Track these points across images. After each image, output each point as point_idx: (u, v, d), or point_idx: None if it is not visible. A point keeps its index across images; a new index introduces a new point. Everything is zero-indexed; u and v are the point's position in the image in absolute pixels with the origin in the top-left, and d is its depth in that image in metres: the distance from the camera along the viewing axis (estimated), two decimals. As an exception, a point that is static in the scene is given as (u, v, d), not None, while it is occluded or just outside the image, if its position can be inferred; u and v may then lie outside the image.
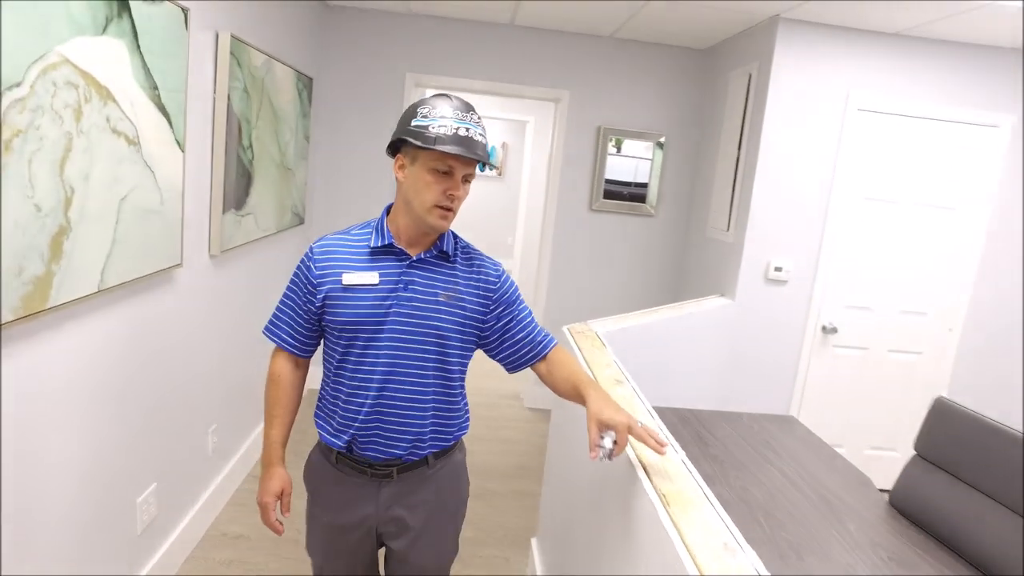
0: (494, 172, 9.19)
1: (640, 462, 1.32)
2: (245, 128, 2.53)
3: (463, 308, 1.40)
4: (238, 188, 2.54)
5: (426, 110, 1.30)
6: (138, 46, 1.73)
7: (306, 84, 3.37)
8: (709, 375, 3.16)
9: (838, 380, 3.38)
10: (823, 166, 3.16)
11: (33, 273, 1.42)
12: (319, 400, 1.48)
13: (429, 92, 5.87)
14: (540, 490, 2.67)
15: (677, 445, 1.43)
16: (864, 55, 3.08)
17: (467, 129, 1.28)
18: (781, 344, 3.30)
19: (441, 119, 1.28)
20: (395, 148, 1.37)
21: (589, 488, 1.73)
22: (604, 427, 1.22)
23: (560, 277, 4.17)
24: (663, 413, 2.32)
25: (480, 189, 9.29)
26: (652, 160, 4.04)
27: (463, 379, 1.48)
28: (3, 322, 1.34)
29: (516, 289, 1.48)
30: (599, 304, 4.11)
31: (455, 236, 1.45)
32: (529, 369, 1.50)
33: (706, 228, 3.72)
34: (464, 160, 1.30)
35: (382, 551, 1.55)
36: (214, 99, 2.29)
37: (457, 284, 1.40)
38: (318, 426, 1.46)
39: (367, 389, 1.37)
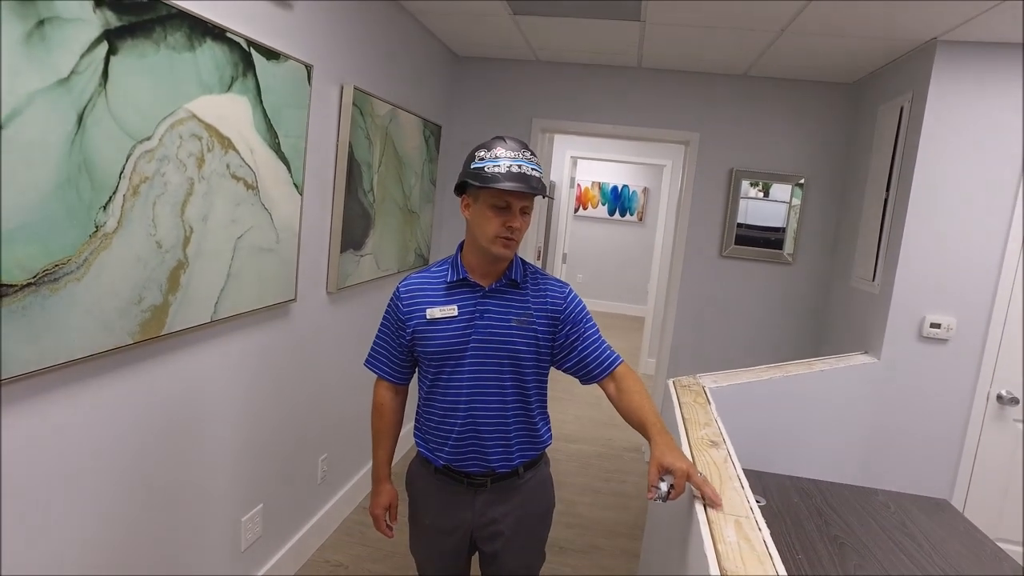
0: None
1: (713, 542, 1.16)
2: (366, 173, 2.70)
3: (535, 330, 1.53)
4: (357, 230, 2.70)
5: (483, 152, 1.44)
6: (260, 100, 1.91)
7: (433, 131, 3.55)
8: (843, 443, 2.78)
9: (1019, 462, 2.83)
10: (994, 208, 2.72)
11: (151, 302, 1.58)
12: (416, 418, 1.64)
13: (557, 137, 5.96)
14: (641, 554, 2.47)
15: (763, 522, 1.24)
16: (1047, 80, 2.64)
17: (519, 166, 1.41)
18: (940, 413, 2.83)
19: (496, 159, 1.41)
20: (461, 189, 1.51)
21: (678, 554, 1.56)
22: (664, 471, 1.28)
23: (686, 326, 3.95)
24: (778, 481, 2.07)
25: (618, 235, 9.20)
26: (789, 203, 3.74)
27: (542, 395, 1.60)
28: (121, 345, 1.50)
29: (583, 307, 1.59)
30: (727, 356, 3.83)
31: (523, 263, 1.59)
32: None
33: (850, 277, 3.35)
34: (519, 194, 1.42)
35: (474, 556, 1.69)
36: (336, 146, 2.47)
37: (528, 308, 1.53)
38: (417, 441, 1.63)
39: (456, 411, 1.52)
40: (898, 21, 2.52)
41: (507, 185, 1.38)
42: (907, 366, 2.83)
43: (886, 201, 2.96)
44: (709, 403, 2.04)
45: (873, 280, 3.00)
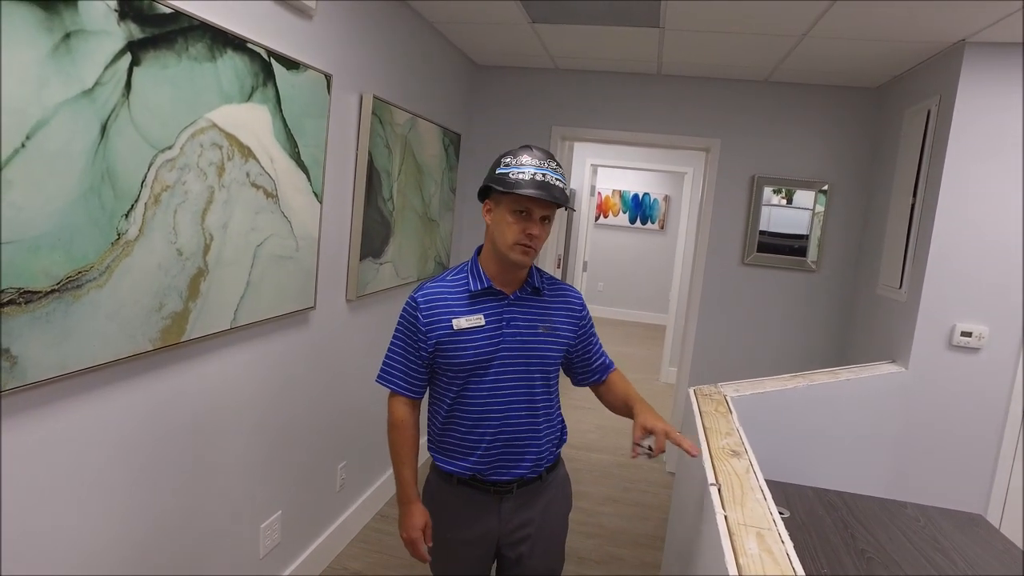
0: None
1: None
2: (386, 181, 2.72)
3: (559, 335, 1.57)
4: (377, 237, 2.71)
5: (509, 159, 1.46)
6: (280, 109, 1.93)
7: (453, 140, 3.56)
8: (869, 455, 2.71)
9: (1056, 474, 2.73)
10: (1027, 213, 2.65)
11: (172, 309, 1.60)
12: (432, 432, 1.60)
13: (577, 145, 5.95)
14: (662, 566, 2.43)
15: (786, 534, 1.21)
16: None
17: (543, 175, 1.42)
18: (973, 424, 2.75)
19: (520, 167, 1.43)
20: (484, 194, 1.53)
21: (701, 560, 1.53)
22: (646, 432, 1.41)
23: (708, 334, 3.90)
24: (802, 492, 2.02)
25: (639, 243, 9.14)
26: (813, 210, 3.68)
27: (558, 397, 1.64)
28: (142, 351, 1.52)
29: (590, 314, 1.68)
30: (749, 365, 3.77)
31: (539, 270, 1.60)
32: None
33: (876, 285, 3.28)
34: (540, 202, 1.42)
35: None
36: (356, 155, 2.49)
37: (551, 314, 1.57)
38: (435, 456, 1.60)
39: (488, 421, 1.51)
40: (924, 23, 2.47)
41: (528, 191, 1.39)
42: (937, 376, 2.75)
43: (913, 207, 2.90)
44: (731, 412, 2.00)
45: (900, 287, 2.94)
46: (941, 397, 2.76)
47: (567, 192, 1.47)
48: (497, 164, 1.47)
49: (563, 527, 1.70)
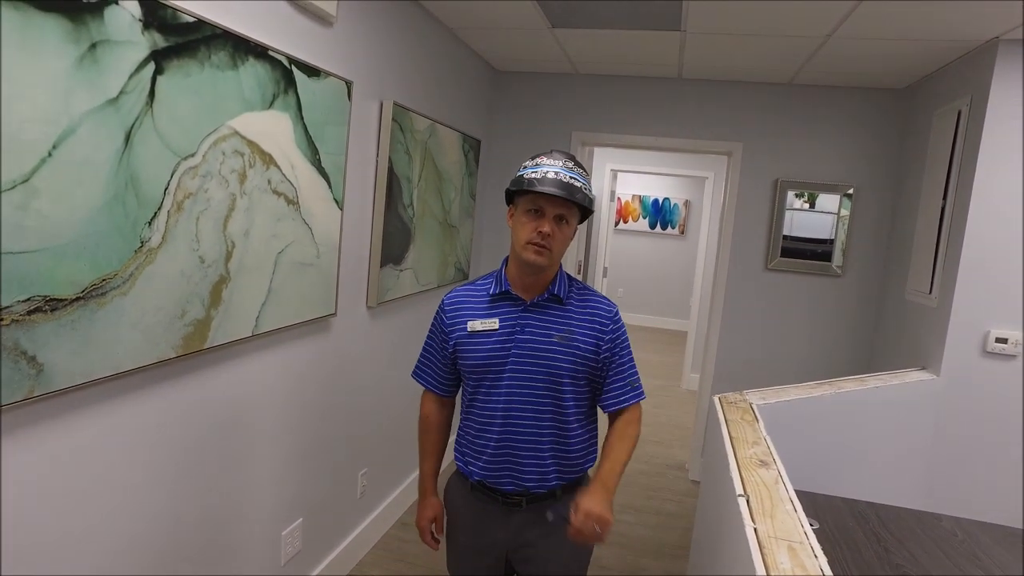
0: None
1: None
2: (406, 188, 2.71)
3: (576, 348, 1.49)
4: (397, 244, 2.71)
5: (529, 162, 1.47)
6: (301, 116, 1.93)
7: (473, 146, 3.56)
8: (900, 464, 2.64)
9: (1097, 486, 2.63)
10: (1063, 216, 2.57)
11: (194, 316, 1.60)
12: (458, 432, 1.64)
13: (597, 150, 5.91)
14: None
15: (819, 549, 1.17)
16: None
17: (556, 173, 1.41)
18: (1012, 434, 2.67)
19: (537, 167, 1.44)
20: (509, 200, 1.53)
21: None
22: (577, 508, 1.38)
23: (731, 340, 3.84)
24: (831, 503, 1.97)
25: (660, 248, 9.07)
26: (838, 214, 3.61)
27: (581, 414, 1.54)
28: (165, 359, 1.53)
29: (625, 334, 1.55)
30: (773, 372, 3.70)
31: (569, 278, 1.57)
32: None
33: (904, 290, 3.20)
34: (555, 201, 1.41)
35: None
36: (376, 161, 2.49)
37: (570, 325, 1.51)
38: (456, 456, 1.62)
39: (492, 426, 1.51)
40: (955, 21, 2.42)
41: (539, 188, 1.39)
42: (971, 383, 2.68)
43: (943, 210, 2.83)
44: (757, 421, 1.96)
45: (930, 293, 2.86)
46: (975, 405, 2.68)
47: (586, 192, 1.44)
48: (519, 168, 1.49)
49: (580, 554, 1.59)
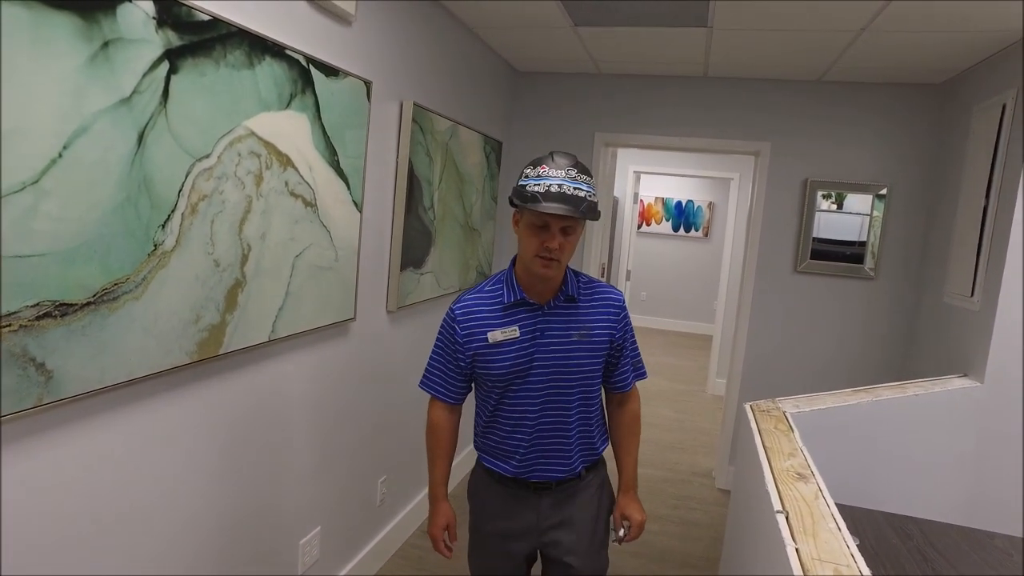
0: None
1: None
2: (427, 190, 2.67)
3: (594, 340, 1.54)
4: (418, 247, 2.66)
5: (530, 170, 1.43)
6: (319, 117, 1.89)
7: (494, 147, 3.50)
8: (942, 477, 2.51)
9: None
10: (1115, 215, 2.43)
11: (209, 321, 1.57)
12: (476, 430, 1.66)
13: (620, 152, 5.82)
14: (717, 592, 2.30)
15: (867, 572, 1.09)
16: None
17: (560, 186, 1.37)
18: (1057, 444, 2.53)
19: (539, 178, 1.39)
20: (514, 203, 1.48)
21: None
22: (624, 519, 1.64)
23: (758, 345, 3.73)
24: (871, 517, 1.88)
25: (683, 251, 8.94)
26: (869, 215, 3.49)
27: (597, 400, 1.63)
28: (179, 365, 1.49)
29: (629, 316, 1.63)
30: (803, 378, 3.59)
31: (576, 274, 1.58)
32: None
33: (943, 293, 3.08)
34: (557, 215, 1.38)
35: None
36: (396, 163, 2.45)
37: (586, 321, 1.54)
38: (481, 456, 1.65)
39: (522, 429, 1.54)
40: (998, 10, 2.30)
41: (544, 207, 1.36)
42: (1017, 390, 2.55)
43: (985, 209, 2.70)
44: (792, 430, 1.87)
45: (972, 296, 2.74)
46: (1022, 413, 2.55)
47: (591, 200, 1.40)
48: (521, 174, 1.45)
49: (603, 526, 1.68)
